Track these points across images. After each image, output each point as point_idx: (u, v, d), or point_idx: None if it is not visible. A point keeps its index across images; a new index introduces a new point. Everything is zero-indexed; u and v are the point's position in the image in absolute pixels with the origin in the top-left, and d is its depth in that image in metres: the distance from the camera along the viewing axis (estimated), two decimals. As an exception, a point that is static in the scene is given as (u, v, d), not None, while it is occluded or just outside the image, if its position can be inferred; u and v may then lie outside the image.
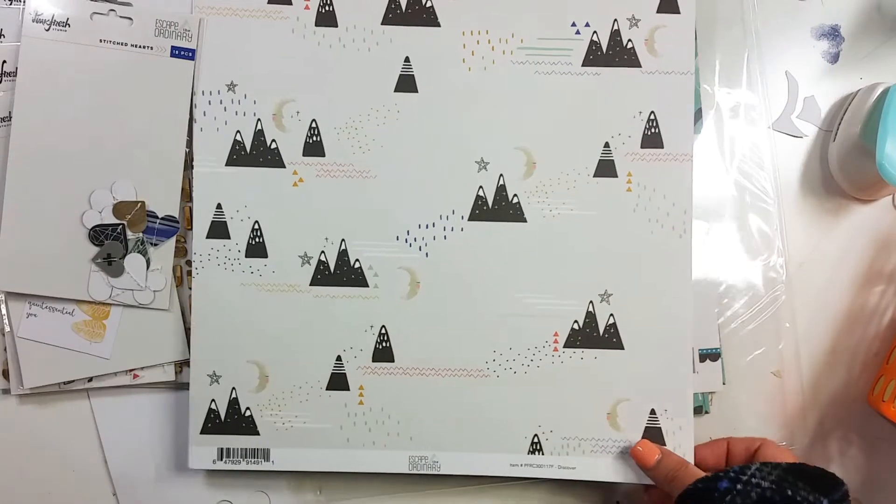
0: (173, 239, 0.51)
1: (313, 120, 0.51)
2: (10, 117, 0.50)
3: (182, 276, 0.52)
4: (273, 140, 0.51)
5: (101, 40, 0.51)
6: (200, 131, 0.50)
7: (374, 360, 0.51)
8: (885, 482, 0.55)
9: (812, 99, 0.55)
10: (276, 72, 0.51)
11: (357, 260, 0.51)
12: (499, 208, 0.51)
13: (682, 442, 0.50)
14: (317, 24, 0.51)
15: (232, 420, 0.50)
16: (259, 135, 0.51)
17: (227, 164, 0.51)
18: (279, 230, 0.51)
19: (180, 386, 0.52)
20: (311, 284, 0.50)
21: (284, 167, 0.51)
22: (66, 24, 0.50)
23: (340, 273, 0.51)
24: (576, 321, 0.51)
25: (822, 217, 0.55)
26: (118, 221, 0.51)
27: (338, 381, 0.51)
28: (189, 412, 0.50)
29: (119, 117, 0.51)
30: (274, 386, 0.50)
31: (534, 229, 0.51)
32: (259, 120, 0.51)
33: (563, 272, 0.51)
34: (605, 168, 0.51)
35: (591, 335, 0.51)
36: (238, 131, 0.51)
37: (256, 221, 0.51)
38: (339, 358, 0.51)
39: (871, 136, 0.50)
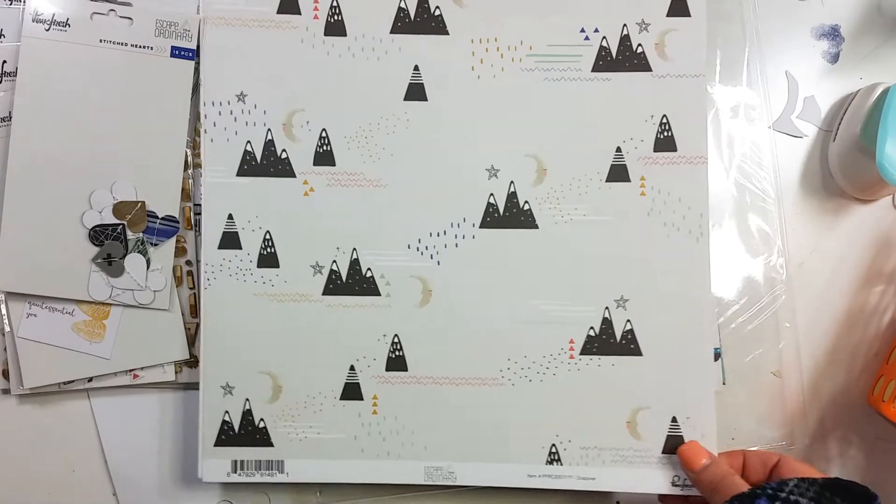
0: (173, 239, 0.51)
1: (323, 129, 0.51)
2: (10, 117, 0.50)
3: (182, 276, 0.52)
4: (283, 150, 0.51)
5: (101, 40, 0.51)
6: (211, 142, 0.50)
7: (387, 370, 0.50)
8: (885, 482, 0.55)
9: (812, 99, 0.55)
10: (286, 81, 0.51)
11: (369, 269, 0.50)
12: (510, 215, 0.50)
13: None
14: (326, 34, 0.51)
15: (246, 432, 0.50)
16: (269, 145, 0.51)
17: (237, 175, 0.50)
18: (290, 240, 0.50)
19: (180, 386, 0.52)
20: (323, 294, 0.50)
21: (295, 177, 0.50)
22: (66, 24, 0.50)
23: (352, 282, 0.50)
24: (591, 328, 0.50)
25: (822, 217, 0.55)
26: (118, 221, 0.51)
27: (351, 391, 0.50)
28: (200, 423, 0.50)
29: (119, 117, 0.51)
30: (287, 396, 0.50)
31: (546, 236, 0.50)
32: (269, 130, 0.51)
33: (578, 278, 0.50)
34: (618, 173, 0.50)
35: (608, 342, 0.50)
36: (248, 141, 0.50)
37: (268, 231, 0.50)
38: (352, 367, 0.50)
39: (871, 136, 0.50)
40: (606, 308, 0.50)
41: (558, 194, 0.50)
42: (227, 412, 0.50)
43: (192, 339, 0.52)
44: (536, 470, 0.50)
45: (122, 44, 0.51)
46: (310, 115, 0.51)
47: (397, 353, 0.50)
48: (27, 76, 0.50)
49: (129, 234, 0.51)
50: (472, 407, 0.50)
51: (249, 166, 0.50)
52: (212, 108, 0.50)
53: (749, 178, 0.54)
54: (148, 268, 0.51)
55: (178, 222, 0.51)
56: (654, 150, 0.50)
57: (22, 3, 0.50)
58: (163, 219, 0.51)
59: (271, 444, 0.50)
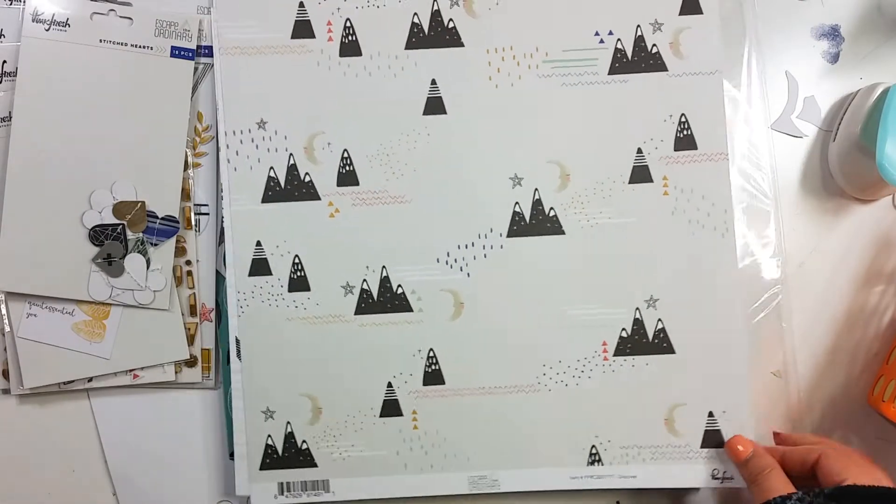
0: (173, 239, 0.51)
1: (345, 150, 0.51)
2: (10, 117, 0.50)
3: (182, 276, 0.52)
4: (306, 173, 0.51)
5: (101, 40, 0.51)
6: (234, 171, 0.50)
7: (424, 384, 0.50)
8: (885, 482, 0.55)
9: (812, 99, 0.55)
10: (305, 105, 0.51)
11: (399, 285, 0.50)
12: (536, 223, 0.51)
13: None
14: (341, 55, 0.51)
15: (290, 454, 0.50)
16: (292, 169, 0.51)
17: (263, 201, 0.51)
18: (320, 262, 0.51)
19: (180, 386, 0.52)
20: (355, 314, 0.50)
21: (320, 199, 0.51)
22: (66, 24, 0.50)
23: (384, 300, 0.50)
24: (623, 329, 0.51)
25: (822, 217, 0.55)
26: (118, 221, 0.51)
27: (391, 408, 0.50)
28: (245, 449, 0.50)
29: (119, 117, 0.51)
30: (328, 417, 0.50)
31: (573, 241, 0.51)
32: (291, 154, 0.51)
33: (607, 281, 0.51)
34: (640, 174, 0.51)
35: (641, 342, 0.51)
36: (271, 167, 0.51)
37: (296, 255, 0.50)
38: (389, 384, 0.50)
39: (871, 136, 0.50)
40: (637, 309, 0.51)
41: (583, 199, 0.51)
42: (269, 436, 0.50)
43: (192, 339, 0.52)
44: (578, 472, 0.50)
45: (122, 44, 0.51)
46: (330, 137, 0.51)
47: (433, 367, 0.50)
48: (27, 76, 0.50)
49: (129, 234, 0.51)
50: (511, 415, 0.50)
51: (274, 192, 0.51)
52: (233, 138, 0.51)
53: (749, 178, 0.54)
54: (148, 268, 0.51)
55: (178, 222, 0.51)
56: (675, 150, 0.51)
57: (22, 3, 0.50)
58: (163, 219, 0.51)
59: (315, 465, 0.50)
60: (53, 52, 0.50)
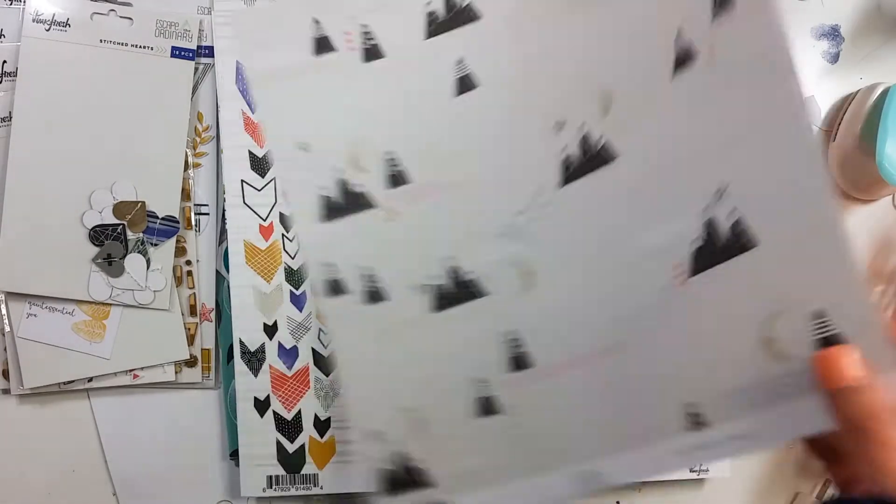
0: (173, 239, 0.51)
1: (389, 152, 0.50)
2: (10, 117, 0.50)
3: (182, 276, 0.52)
4: (358, 184, 0.50)
5: (101, 40, 0.51)
6: (289, 197, 0.50)
7: (513, 370, 0.47)
8: (885, 482, 0.55)
9: (812, 99, 0.55)
10: (342, 118, 0.50)
11: (470, 272, 0.48)
12: (586, 160, 0.48)
13: (872, 343, 0.37)
14: (365, 60, 0.51)
15: (409, 476, 0.47)
16: (342, 184, 0.50)
17: (321, 221, 0.49)
18: (390, 269, 0.49)
19: (180, 386, 0.52)
20: (434, 311, 0.48)
21: (376, 206, 0.50)
22: (66, 24, 0.50)
23: (458, 290, 0.49)
24: (696, 239, 0.43)
25: (822, 217, 0.55)
26: (118, 221, 0.51)
27: (485, 406, 0.48)
28: (372, 477, 0.47)
29: (119, 117, 0.51)
30: (429, 428, 0.47)
31: (626, 161, 0.47)
32: (339, 170, 0.50)
33: (667, 188, 0.45)
34: (683, 59, 0.45)
35: (716, 246, 0.43)
36: (323, 187, 0.50)
37: (367, 268, 0.49)
38: (480, 380, 0.48)
39: (871, 136, 0.50)
40: (706, 207, 0.43)
41: (629, 111, 0.47)
42: (383, 460, 0.47)
43: (192, 339, 0.52)
44: (681, 442, 0.42)
45: (122, 44, 0.51)
46: (373, 143, 0.50)
47: (519, 349, 0.48)
48: (27, 76, 0.50)
49: (129, 234, 0.51)
50: (601, 387, 0.46)
51: (330, 211, 0.50)
52: (279, 166, 0.51)
53: (749, 178, 0.54)
54: (148, 268, 0.51)
55: (178, 222, 0.51)
56: (713, 19, 0.44)
57: (22, 3, 0.50)
58: (163, 219, 0.51)
59: (434, 485, 0.47)
60: (53, 52, 0.50)
